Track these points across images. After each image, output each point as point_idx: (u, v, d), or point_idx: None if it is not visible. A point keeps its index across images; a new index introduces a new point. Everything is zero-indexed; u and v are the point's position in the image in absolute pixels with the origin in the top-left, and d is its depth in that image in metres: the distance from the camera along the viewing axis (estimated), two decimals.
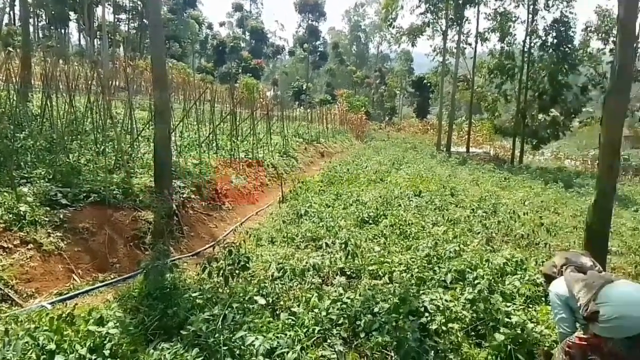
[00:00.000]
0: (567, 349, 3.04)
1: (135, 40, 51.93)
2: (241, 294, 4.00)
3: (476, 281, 4.38)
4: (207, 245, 6.70)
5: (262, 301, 3.99)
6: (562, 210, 10.23)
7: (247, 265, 4.56)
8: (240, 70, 56.10)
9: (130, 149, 8.78)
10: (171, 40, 50.50)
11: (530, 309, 4.20)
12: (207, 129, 12.00)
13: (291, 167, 14.11)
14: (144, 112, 12.96)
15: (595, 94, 28.85)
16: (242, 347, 2.87)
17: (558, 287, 3.20)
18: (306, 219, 7.53)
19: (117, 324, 3.34)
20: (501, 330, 3.64)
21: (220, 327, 2.97)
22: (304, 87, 58.40)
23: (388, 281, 4.67)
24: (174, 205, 6.41)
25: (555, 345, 3.40)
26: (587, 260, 3.32)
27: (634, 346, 2.72)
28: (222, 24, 73.27)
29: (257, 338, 2.81)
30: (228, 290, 4.14)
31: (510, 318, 3.80)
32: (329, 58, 69.40)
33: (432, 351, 2.85)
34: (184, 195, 7.36)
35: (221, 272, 4.36)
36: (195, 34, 57.48)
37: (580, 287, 3.01)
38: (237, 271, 4.51)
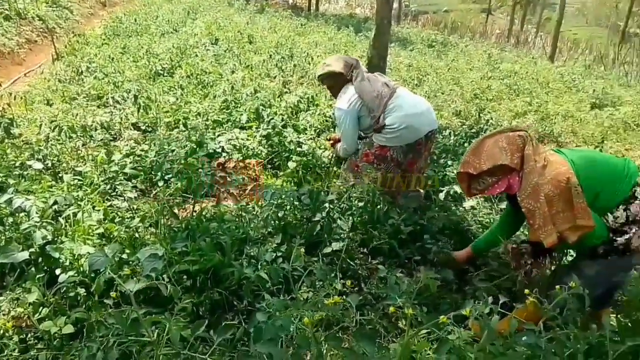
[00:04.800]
0: (355, 168, 3.38)
1: None
2: (9, 161, 3.45)
3: (270, 118, 4.52)
4: None
5: (38, 165, 3.50)
6: (352, 52, 10.95)
7: (12, 128, 3.89)
8: None
9: None
10: None
11: (319, 138, 4.57)
12: None
13: (65, 19, 11.90)
14: None
15: None
16: (11, 213, 2.52)
17: (349, 98, 3.16)
18: (88, 76, 6.64)
19: None
20: (293, 159, 3.92)
21: None
22: None
23: (184, 128, 4.52)
24: None
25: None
26: (361, 65, 3.33)
27: (409, 151, 3.18)
28: None
29: (27, 199, 2.48)
30: None
31: (301, 147, 4.09)
32: None
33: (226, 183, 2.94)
34: None
35: None
36: None
37: (372, 98, 3.11)
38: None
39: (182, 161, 3.41)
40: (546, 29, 25.38)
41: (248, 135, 4.24)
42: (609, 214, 2.05)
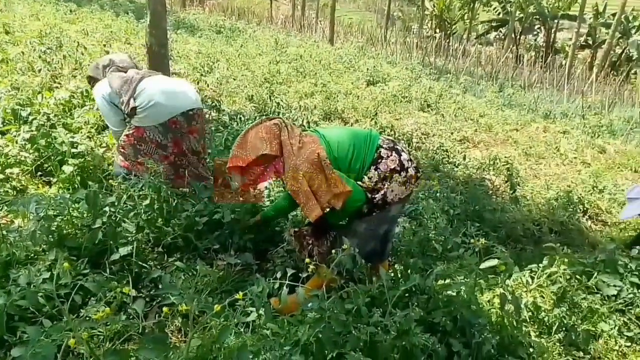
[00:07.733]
0: (121, 149, 3.19)
1: None
2: None
3: (33, 118, 3.91)
4: None
5: None
6: (134, 39, 10.21)
7: None
8: None
9: None
10: None
11: (99, 136, 4.14)
12: None
13: None
14: None
15: None
16: None
17: (102, 89, 3.16)
18: None
19: None
20: (69, 162, 3.47)
21: None
22: None
23: None
24: None
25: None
26: (128, 59, 3.35)
27: (166, 131, 3.14)
28: None
29: None
30: None
31: (77, 148, 3.65)
32: None
33: None
34: None
35: None
36: None
37: (120, 83, 3.05)
38: None
39: None
40: (325, 14, 27.48)
41: (7, 141, 3.60)
42: (365, 177, 2.32)
